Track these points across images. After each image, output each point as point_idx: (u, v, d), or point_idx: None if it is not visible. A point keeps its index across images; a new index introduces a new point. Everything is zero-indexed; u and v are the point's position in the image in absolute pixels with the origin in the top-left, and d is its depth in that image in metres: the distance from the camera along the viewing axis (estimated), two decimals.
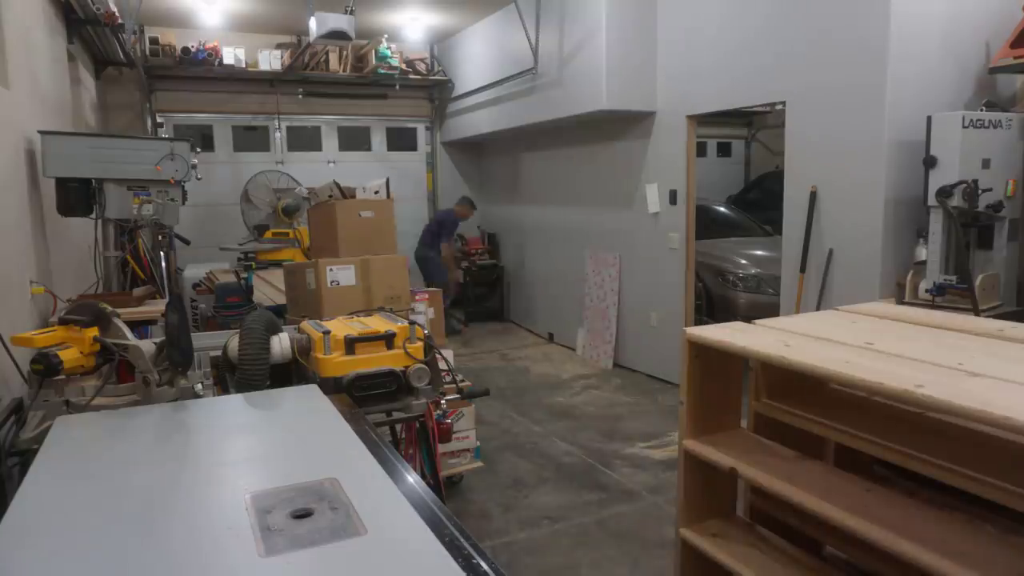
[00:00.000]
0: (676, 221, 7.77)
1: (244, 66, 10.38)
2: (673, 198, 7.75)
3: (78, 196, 5.22)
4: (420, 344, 3.07)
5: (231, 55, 10.25)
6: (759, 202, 12.04)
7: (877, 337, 3.09)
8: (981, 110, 5.61)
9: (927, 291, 5.47)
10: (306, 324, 3.21)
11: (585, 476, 5.76)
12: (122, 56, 8.90)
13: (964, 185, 5.26)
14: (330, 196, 6.65)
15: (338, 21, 7.34)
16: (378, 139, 12.27)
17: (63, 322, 2.82)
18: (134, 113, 10.27)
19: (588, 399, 7.68)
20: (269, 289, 6.91)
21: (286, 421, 2.42)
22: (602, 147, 8.95)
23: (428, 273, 10.47)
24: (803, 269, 6.25)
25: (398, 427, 3.55)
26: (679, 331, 7.67)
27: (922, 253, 5.61)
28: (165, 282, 7.19)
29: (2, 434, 2.56)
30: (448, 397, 3.26)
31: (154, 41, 9.89)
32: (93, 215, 5.34)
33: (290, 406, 2.56)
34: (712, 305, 8.78)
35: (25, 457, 2.45)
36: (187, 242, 8.38)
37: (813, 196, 6.17)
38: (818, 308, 5.87)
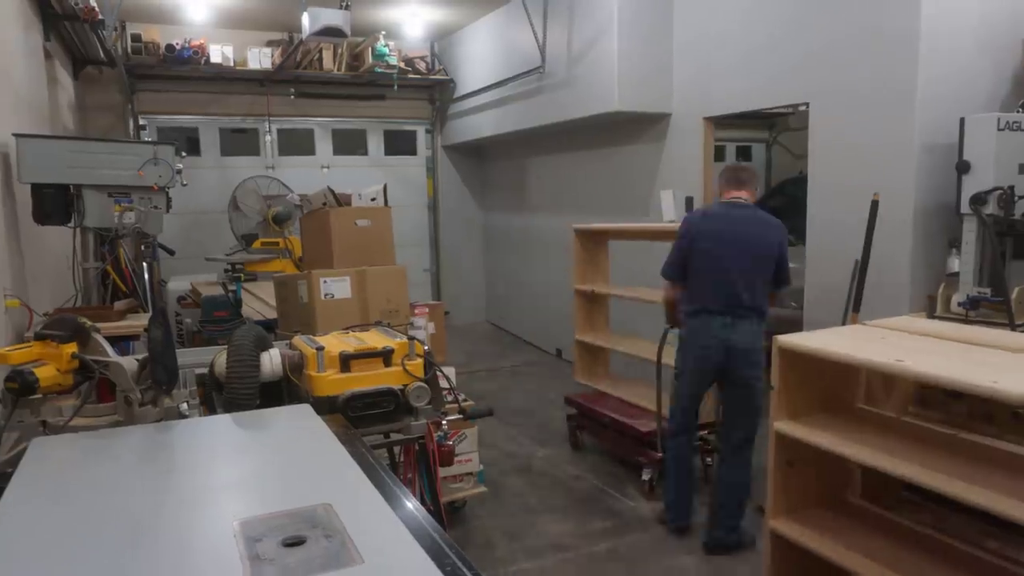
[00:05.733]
0: None
1: (232, 65, 10.40)
2: (690, 205, 7.72)
3: (55, 203, 5.24)
4: (420, 361, 3.08)
5: (218, 53, 10.25)
6: (781, 209, 11.95)
7: (907, 353, 3.10)
8: (1018, 111, 5.60)
9: (960, 305, 5.46)
10: (298, 340, 3.22)
11: (596, 502, 5.74)
12: (102, 54, 8.93)
13: (999, 191, 5.25)
14: (324, 203, 6.67)
15: (332, 17, 7.35)
16: (375, 142, 12.32)
17: (39, 337, 2.83)
18: (115, 115, 10.31)
19: None
20: (258, 303, 6.92)
21: (277, 443, 2.43)
22: (614, 151, 8.97)
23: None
24: (857, 308, 5.66)
25: (396, 449, 3.55)
26: None
27: (954, 264, 5.59)
28: (148, 295, 7.20)
29: None
30: (450, 417, 3.26)
31: (136, 38, 9.88)
32: (71, 224, 5.37)
33: (281, 427, 2.56)
34: None
35: None
36: (171, 252, 8.40)
37: (875, 208, 5.58)
38: (844, 322, 5.85)
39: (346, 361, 2.96)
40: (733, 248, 4.66)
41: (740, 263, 4.62)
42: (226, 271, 8.06)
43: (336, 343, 3.12)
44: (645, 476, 5.69)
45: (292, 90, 11.26)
